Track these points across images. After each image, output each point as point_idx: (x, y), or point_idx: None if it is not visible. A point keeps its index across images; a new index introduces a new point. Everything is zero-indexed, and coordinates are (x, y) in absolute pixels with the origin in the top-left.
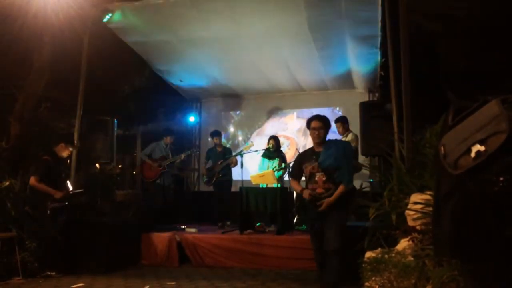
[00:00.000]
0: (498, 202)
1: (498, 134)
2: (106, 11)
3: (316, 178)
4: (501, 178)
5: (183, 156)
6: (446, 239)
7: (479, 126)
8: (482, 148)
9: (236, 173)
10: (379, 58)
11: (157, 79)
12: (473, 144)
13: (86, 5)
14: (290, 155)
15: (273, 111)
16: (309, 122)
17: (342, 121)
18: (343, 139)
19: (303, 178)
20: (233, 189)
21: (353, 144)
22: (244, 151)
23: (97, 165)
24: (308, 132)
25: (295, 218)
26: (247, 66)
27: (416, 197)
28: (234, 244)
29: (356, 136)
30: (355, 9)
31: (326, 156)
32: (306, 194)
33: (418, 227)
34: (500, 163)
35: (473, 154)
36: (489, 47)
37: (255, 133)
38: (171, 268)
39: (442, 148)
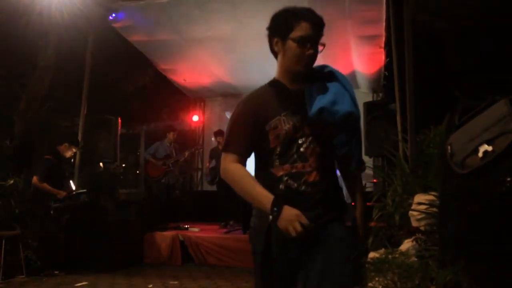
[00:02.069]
0: (505, 203)
1: (506, 135)
2: (111, 10)
3: (302, 150)
4: (509, 179)
5: (187, 154)
6: (451, 239)
7: (487, 126)
8: (489, 148)
9: None
10: (383, 58)
11: (161, 78)
12: (481, 144)
13: (90, 4)
14: None
15: None
16: (291, 21)
17: None
18: None
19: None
20: None
21: None
22: None
23: (101, 164)
24: None
25: None
26: (250, 65)
27: (420, 197)
28: (237, 244)
29: None
30: (359, 8)
31: (330, 97)
32: (294, 226)
33: (422, 228)
34: (507, 163)
35: (480, 154)
36: (496, 45)
37: None
38: (174, 267)
39: (449, 147)
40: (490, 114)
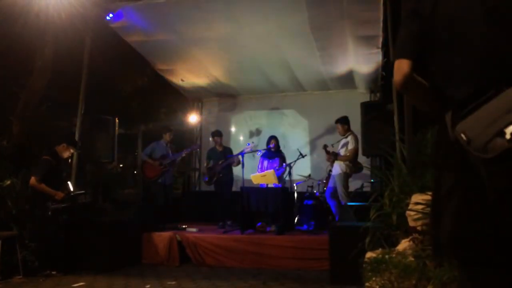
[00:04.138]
0: None
1: None
2: (108, 10)
3: None
4: None
5: (184, 153)
6: (446, 239)
7: (509, 107)
8: None
9: (237, 173)
10: (380, 58)
11: (159, 78)
12: (506, 125)
13: (88, 5)
14: None
15: (274, 111)
16: None
17: (343, 122)
18: (344, 140)
19: None
20: (234, 188)
21: (352, 146)
22: (245, 151)
23: (99, 164)
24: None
25: (296, 218)
26: (248, 66)
27: (417, 197)
28: (235, 244)
29: (356, 137)
30: (356, 9)
31: None
32: None
33: (419, 228)
34: None
35: (508, 136)
36: None
37: (255, 133)
38: (171, 268)
39: (463, 135)
40: (508, 96)
